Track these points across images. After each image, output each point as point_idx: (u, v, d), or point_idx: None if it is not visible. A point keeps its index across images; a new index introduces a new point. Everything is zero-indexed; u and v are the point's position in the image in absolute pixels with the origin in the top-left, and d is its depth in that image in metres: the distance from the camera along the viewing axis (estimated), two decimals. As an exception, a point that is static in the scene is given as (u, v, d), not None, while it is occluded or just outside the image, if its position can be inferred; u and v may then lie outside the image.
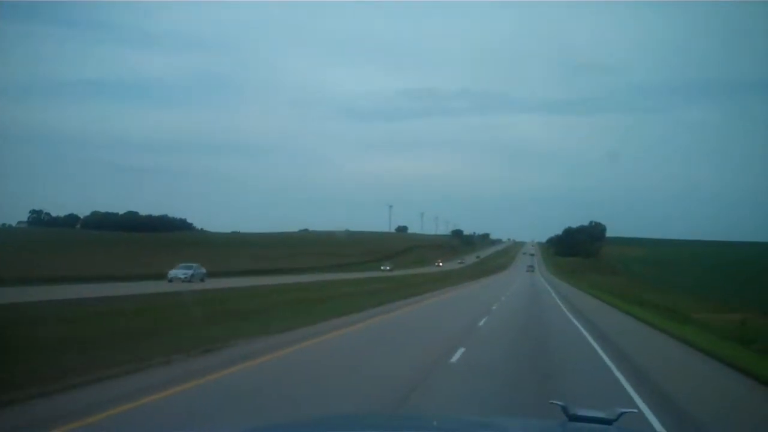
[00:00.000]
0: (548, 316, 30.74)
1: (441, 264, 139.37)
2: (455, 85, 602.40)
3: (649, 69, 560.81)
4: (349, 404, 9.61)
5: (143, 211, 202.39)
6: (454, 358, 14.50)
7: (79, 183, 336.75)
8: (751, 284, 68.52)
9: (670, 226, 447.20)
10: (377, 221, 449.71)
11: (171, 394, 9.69)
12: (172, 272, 49.95)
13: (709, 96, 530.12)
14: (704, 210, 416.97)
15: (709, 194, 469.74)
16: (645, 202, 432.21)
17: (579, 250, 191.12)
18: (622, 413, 3.47)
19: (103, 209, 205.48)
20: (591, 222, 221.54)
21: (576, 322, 27.08)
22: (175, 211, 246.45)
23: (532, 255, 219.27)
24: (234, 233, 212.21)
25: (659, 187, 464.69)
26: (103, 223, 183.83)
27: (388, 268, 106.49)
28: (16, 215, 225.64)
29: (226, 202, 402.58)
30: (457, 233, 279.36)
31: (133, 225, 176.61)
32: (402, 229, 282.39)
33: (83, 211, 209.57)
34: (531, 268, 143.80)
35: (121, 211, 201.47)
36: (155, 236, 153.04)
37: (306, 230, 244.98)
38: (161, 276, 49.32)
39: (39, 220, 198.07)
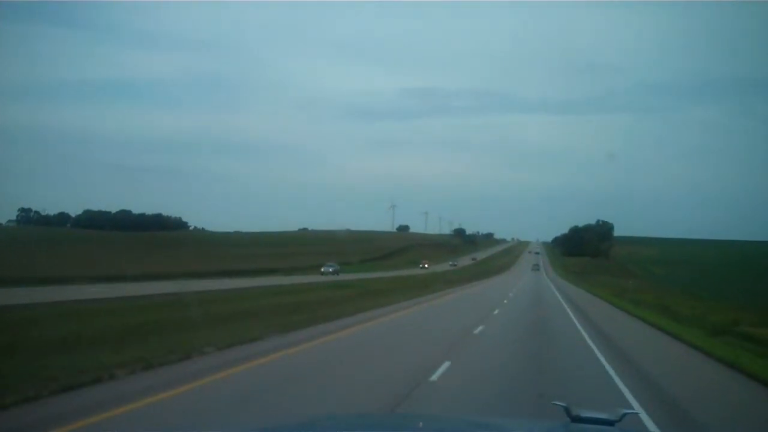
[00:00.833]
0: (570, 380, 13.06)
1: (427, 265, 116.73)
2: (458, 84, 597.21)
3: (656, 68, 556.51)
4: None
5: (137, 210, 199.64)
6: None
7: (70, 181, 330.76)
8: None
9: (678, 224, 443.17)
10: (382, 221, 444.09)
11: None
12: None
13: (714, 95, 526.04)
14: (713, 209, 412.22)
15: (718, 192, 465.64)
16: (653, 201, 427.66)
17: (587, 249, 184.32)
18: (625, 414, 3.43)
19: (95, 208, 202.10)
20: (598, 221, 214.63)
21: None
22: (171, 210, 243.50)
23: (538, 254, 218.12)
24: (235, 233, 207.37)
25: (668, 186, 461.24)
26: (95, 221, 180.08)
27: (330, 270, 74.73)
28: (4, 214, 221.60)
29: (225, 202, 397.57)
30: (459, 232, 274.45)
31: (126, 224, 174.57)
32: (403, 229, 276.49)
33: (75, 210, 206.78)
34: (536, 267, 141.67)
35: (114, 210, 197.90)
36: (148, 235, 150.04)
37: (305, 229, 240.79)
38: (162, 276, 49.21)
39: (28, 218, 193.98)
